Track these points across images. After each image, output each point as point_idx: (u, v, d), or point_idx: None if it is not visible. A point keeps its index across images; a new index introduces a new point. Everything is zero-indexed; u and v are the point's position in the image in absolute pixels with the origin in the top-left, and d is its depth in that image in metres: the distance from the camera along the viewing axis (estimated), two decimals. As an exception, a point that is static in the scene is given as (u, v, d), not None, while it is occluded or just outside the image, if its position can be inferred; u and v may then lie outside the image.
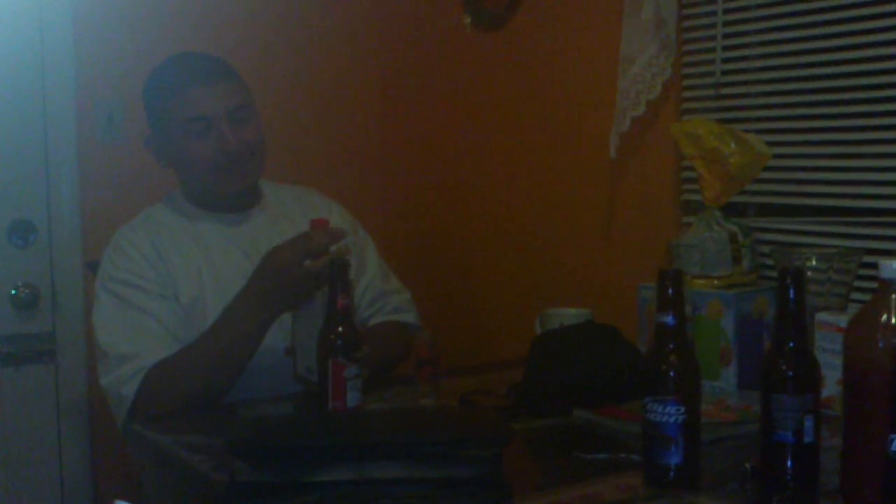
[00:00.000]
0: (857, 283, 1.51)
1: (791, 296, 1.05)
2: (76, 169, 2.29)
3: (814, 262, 1.49)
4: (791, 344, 1.05)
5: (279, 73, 2.48)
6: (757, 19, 1.73)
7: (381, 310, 1.82)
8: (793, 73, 1.70)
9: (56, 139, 2.28)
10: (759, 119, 1.75)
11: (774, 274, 1.57)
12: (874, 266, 1.06)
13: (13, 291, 2.25)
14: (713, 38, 1.81)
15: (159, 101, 1.65)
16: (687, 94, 1.87)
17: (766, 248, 1.67)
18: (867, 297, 1.41)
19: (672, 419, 1.06)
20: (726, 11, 1.78)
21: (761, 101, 1.75)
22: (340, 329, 1.39)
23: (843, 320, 1.31)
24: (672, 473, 1.06)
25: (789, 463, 1.04)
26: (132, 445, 1.52)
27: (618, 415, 1.35)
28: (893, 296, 0.98)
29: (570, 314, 1.65)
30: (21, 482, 2.27)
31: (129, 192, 2.14)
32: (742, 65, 1.77)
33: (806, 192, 1.70)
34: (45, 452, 2.30)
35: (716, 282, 1.57)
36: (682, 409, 1.06)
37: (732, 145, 1.58)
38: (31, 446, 2.29)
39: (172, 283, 1.61)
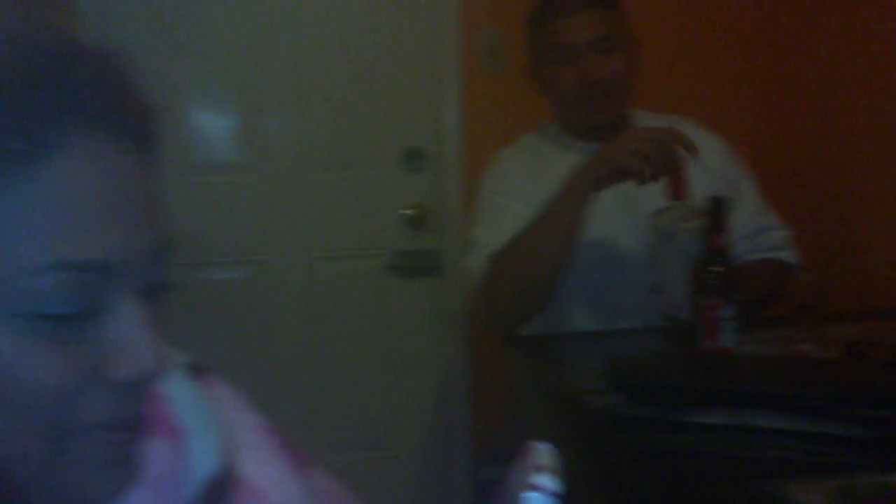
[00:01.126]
0: None
1: None
2: (461, 99, 2.45)
3: None
4: None
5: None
6: None
7: (759, 247, 1.75)
8: None
9: (442, 71, 2.45)
10: None
11: None
12: None
13: (406, 212, 2.50)
14: None
15: (531, 31, 1.72)
16: None
17: None
18: None
19: None
20: None
21: None
22: (716, 268, 1.37)
23: None
24: None
25: None
26: (504, 356, 1.62)
27: None
28: None
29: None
30: (408, 383, 2.55)
31: (509, 120, 2.25)
32: None
33: None
34: (430, 357, 2.56)
35: None
36: None
37: None
38: (418, 351, 2.56)
39: (543, 201, 1.64)
